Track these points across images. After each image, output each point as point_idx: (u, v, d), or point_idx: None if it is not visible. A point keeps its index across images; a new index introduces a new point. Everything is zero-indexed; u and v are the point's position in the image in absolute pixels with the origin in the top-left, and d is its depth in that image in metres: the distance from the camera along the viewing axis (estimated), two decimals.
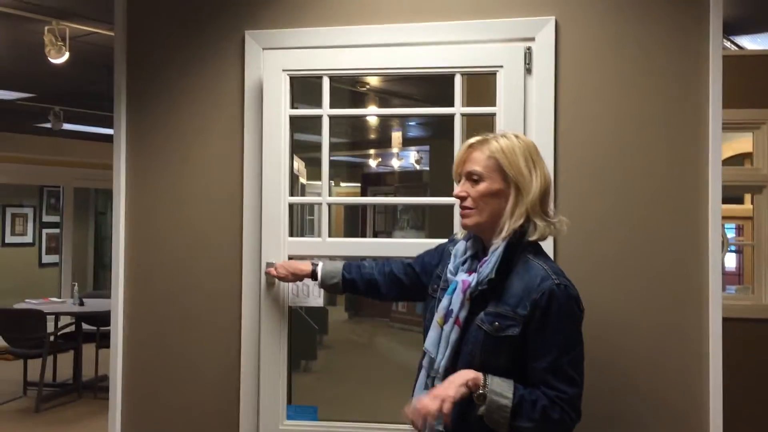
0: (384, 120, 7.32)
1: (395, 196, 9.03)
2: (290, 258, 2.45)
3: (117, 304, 2.62)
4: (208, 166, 2.58)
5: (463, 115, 2.40)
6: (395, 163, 10.10)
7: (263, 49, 2.51)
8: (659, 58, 2.30)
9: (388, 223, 10.15)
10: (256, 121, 2.52)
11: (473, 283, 1.73)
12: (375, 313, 9.81)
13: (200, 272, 2.58)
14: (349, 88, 6.00)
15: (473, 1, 2.41)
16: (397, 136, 6.89)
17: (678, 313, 2.28)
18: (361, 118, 7.08)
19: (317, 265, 2.26)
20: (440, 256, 2.00)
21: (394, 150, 9.67)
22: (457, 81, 2.38)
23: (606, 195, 2.32)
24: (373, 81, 6.03)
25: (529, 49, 2.35)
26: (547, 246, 2.06)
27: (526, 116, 2.35)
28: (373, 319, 9.74)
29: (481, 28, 2.39)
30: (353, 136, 8.87)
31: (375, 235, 10.05)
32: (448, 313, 1.76)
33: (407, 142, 8.75)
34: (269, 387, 2.48)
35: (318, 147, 2.48)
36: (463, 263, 1.83)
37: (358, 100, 6.42)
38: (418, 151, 9.45)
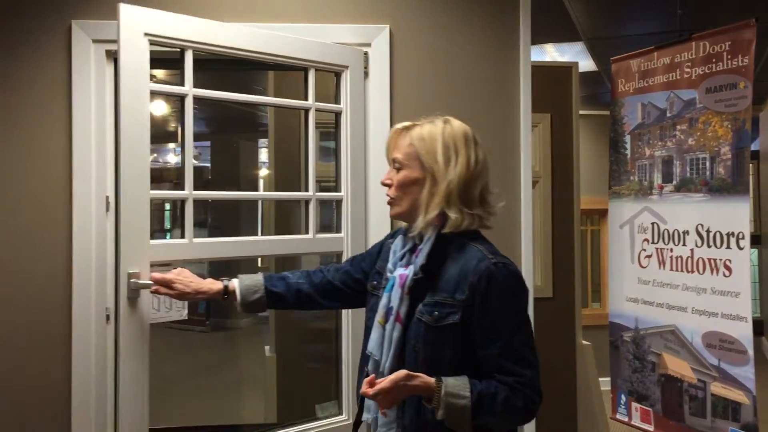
0: (166, 114, 7.07)
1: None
2: (152, 266, 2.08)
3: None
4: (29, 169, 2.38)
5: (317, 109, 2.44)
6: (172, 159, 9.75)
7: (93, 41, 2.40)
8: (477, 66, 2.62)
9: (156, 222, 9.74)
10: (85, 117, 2.40)
11: (410, 275, 1.64)
12: None
13: (20, 289, 2.36)
14: None
15: (317, 8, 2.54)
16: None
17: None
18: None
19: (228, 280, 1.95)
20: (379, 251, 1.89)
21: (170, 145, 9.33)
22: (311, 76, 2.42)
23: None
24: (159, 73, 5.84)
25: (366, 54, 2.54)
26: None
27: (366, 116, 2.53)
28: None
29: (325, 31, 2.51)
30: None
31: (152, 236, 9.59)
32: (388, 311, 1.66)
33: None
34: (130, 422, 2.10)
35: None
36: (401, 258, 1.72)
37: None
38: (196, 147, 9.21)
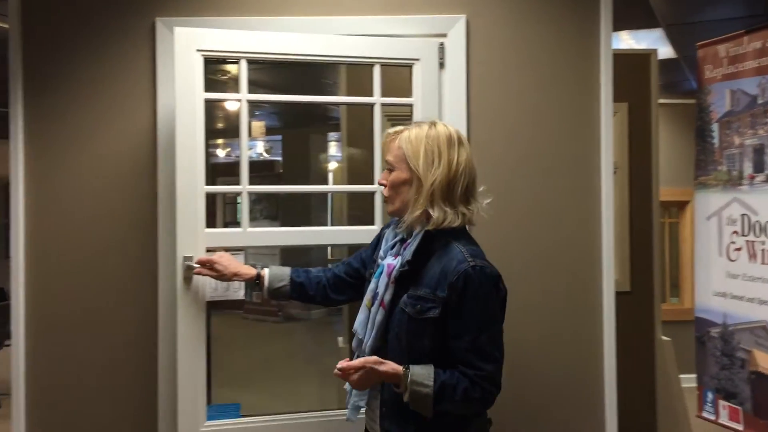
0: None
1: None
2: (208, 250, 2.32)
3: (18, 304, 2.45)
4: (116, 159, 2.48)
5: (382, 104, 2.48)
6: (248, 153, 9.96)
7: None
8: (557, 54, 2.56)
9: (238, 213, 9.99)
10: (170, 109, 2.46)
11: (397, 266, 1.79)
12: (227, 306, 9.59)
13: (111, 269, 2.47)
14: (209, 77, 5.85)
15: (392, 0, 2.53)
16: (258, 125, 6.82)
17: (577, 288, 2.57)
18: (212, 106, 6.95)
19: (260, 267, 2.16)
20: (377, 242, 2.03)
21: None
22: (376, 72, 2.46)
23: (506, 179, 2.55)
24: (233, 68, 5.94)
25: (441, 44, 2.51)
26: None
27: (441, 108, 2.51)
28: (226, 311, 9.53)
29: (398, 23, 2.51)
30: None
31: (225, 226, 9.85)
32: (374, 296, 1.83)
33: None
34: (189, 388, 2.32)
35: None
36: (392, 248, 1.87)
37: (216, 88, 6.26)
38: (267, 141, 9.39)
